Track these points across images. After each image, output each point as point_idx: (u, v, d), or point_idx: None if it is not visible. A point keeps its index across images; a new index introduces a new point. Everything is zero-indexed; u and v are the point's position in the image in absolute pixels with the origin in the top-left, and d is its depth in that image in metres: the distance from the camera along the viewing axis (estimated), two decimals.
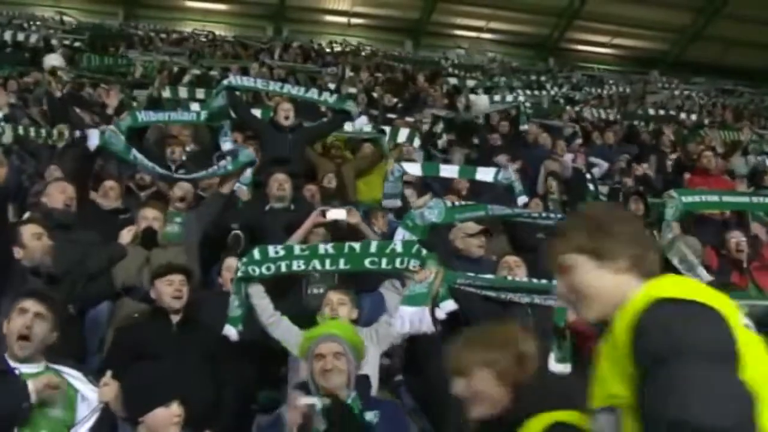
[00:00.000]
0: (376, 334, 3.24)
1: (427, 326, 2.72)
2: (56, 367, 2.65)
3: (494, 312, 3.53)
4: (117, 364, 3.03)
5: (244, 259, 3.32)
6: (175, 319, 3.44)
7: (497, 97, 10.67)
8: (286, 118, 5.67)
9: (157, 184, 5.69)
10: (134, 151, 5.17)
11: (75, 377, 2.66)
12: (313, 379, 2.85)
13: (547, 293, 2.90)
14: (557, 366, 3.12)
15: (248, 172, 5.48)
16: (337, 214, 4.08)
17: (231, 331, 3.23)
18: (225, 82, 5.91)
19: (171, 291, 3.44)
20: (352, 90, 11.48)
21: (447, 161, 7.05)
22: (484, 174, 5.66)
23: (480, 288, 2.91)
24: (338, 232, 4.08)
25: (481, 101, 8.45)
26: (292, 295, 3.80)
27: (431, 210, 4.04)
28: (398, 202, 5.50)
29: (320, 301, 3.52)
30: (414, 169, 5.86)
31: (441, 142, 7.94)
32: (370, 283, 4.20)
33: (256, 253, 3.29)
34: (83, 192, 4.77)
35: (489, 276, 3.14)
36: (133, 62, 11.44)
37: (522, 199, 5.49)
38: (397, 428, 2.65)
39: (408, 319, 2.72)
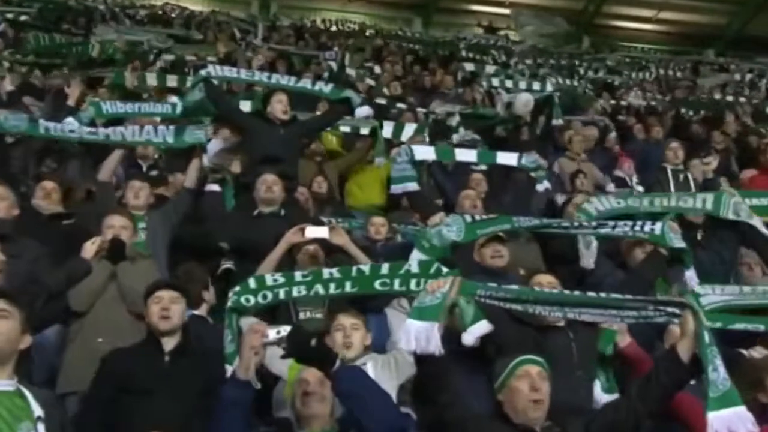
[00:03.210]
0: (395, 363, 3.30)
1: (434, 346, 2.69)
2: (24, 389, 2.60)
3: (529, 337, 3.59)
4: (100, 399, 3.13)
5: (237, 288, 3.39)
6: (168, 346, 3.41)
7: (522, 85, 10.74)
8: (284, 112, 5.76)
9: (123, 188, 5.76)
10: (42, 122, 5.34)
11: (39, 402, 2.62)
12: (294, 407, 2.96)
13: (582, 306, 2.92)
14: (604, 396, 3.15)
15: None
16: (317, 232, 4.13)
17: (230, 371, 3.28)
18: (203, 72, 5.96)
19: (158, 310, 3.44)
20: (351, 72, 11.61)
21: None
22: (506, 158, 5.72)
23: (503, 300, 2.93)
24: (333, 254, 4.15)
25: (522, 98, 8.52)
26: (282, 322, 3.86)
27: (449, 227, 4.08)
28: (410, 186, 5.50)
29: (313, 326, 3.58)
30: (426, 152, 5.88)
31: (457, 137, 8.02)
32: (375, 304, 4.29)
33: (252, 282, 3.38)
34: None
35: (514, 287, 3.15)
36: (92, 42, 11.41)
37: (541, 186, 5.55)
38: None
39: (414, 335, 2.71)
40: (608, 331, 3.34)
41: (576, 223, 4.30)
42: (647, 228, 4.01)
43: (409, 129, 7.75)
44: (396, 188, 5.59)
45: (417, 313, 2.78)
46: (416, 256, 4.06)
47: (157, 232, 4.82)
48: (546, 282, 3.86)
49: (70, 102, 7.19)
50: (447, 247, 4.04)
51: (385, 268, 3.36)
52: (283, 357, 2.77)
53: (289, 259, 4.28)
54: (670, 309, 2.86)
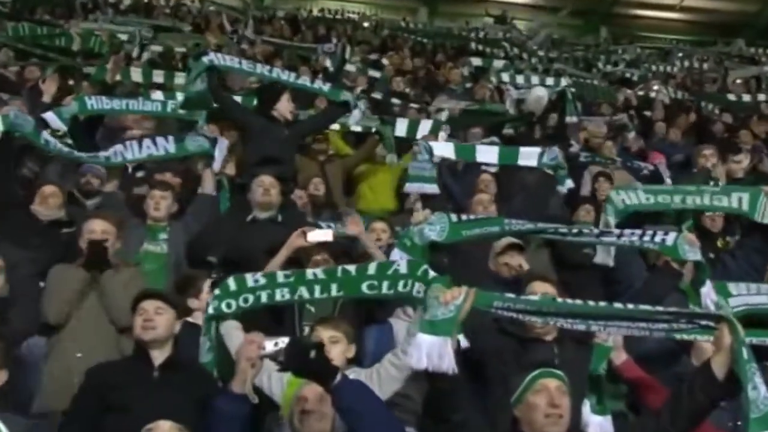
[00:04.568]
0: (378, 377, 3.28)
1: (448, 364, 2.68)
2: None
3: (511, 350, 3.64)
4: (84, 416, 3.15)
5: (217, 292, 3.42)
6: (158, 360, 3.44)
7: (535, 80, 10.79)
8: (292, 112, 5.90)
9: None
10: (45, 134, 5.44)
11: None
12: (292, 425, 3.00)
13: (609, 319, 2.90)
14: (595, 417, 3.15)
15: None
16: (321, 235, 4.18)
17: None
18: (205, 60, 5.91)
19: (141, 322, 3.48)
20: (351, 68, 11.66)
21: None
22: (528, 157, 5.77)
23: (522, 313, 2.93)
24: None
25: (535, 93, 8.51)
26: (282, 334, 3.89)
27: (432, 226, 4.13)
28: (427, 188, 5.54)
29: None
30: (445, 150, 5.92)
31: (442, 135, 8.05)
32: (379, 314, 4.33)
33: (232, 284, 3.41)
34: (7, 198, 4.89)
35: (534, 298, 3.15)
36: (71, 33, 11.39)
37: (563, 187, 5.62)
38: None
39: (426, 351, 2.69)
40: (601, 348, 3.32)
41: (575, 230, 4.30)
42: (658, 238, 3.97)
43: (425, 126, 7.79)
44: (411, 186, 5.64)
45: (429, 327, 2.76)
46: (396, 254, 4.11)
47: (179, 244, 4.91)
48: (540, 290, 3.87)
49: (45, 98, 7.22)
50: (426, 247, 4.08)
51: (372, 268, 3.37)
52: (281, 370, 2.79)
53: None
54: (704, 322, 2.82)
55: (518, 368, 3.02)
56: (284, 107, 5.91)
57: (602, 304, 2.96)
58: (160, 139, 5.58)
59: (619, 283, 4.85)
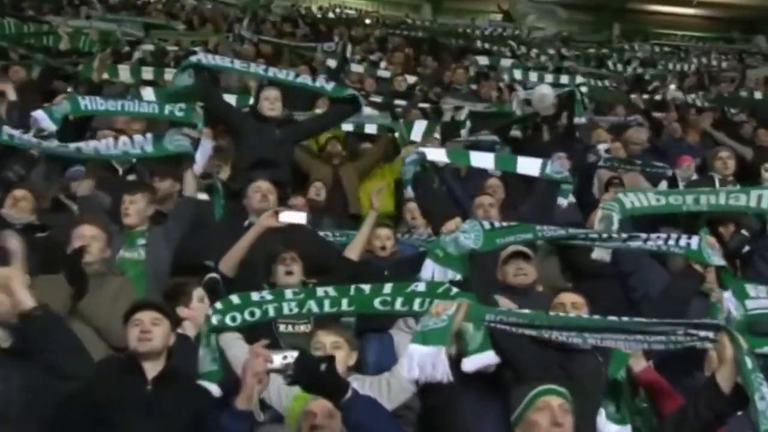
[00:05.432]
0: (388, 387, 3.31)
1: (442, 372, 2.73)
2: None
3: (552, 361, 3.61)
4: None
5: (219, 306, 3.43)
6: (152, 372, 3.40)
7: (548, 78, 10.78)
8: (271, 109, 5.79)
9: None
10: (6, 129, 5.40)
11: None
12: None
13: (604, 332, 2.90)
14: (612, 427, 3.13)
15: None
16: (293, 217, 4.19)
17: (213, 388, 3.34)
18: (192, 58, 5.95)
19: (137, 333, 3.46)
20: (359, 69, 11.69)
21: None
22: (528, 166, 5.75)
23: (516, 326, 2.95)
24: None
25: (538, 91, 8.51)
26: (262, 336, 3.89)
27: (467, 234, 4.06)
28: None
29: (296, 342, 3.64)
30: (437, 154, 5.95)
31: (464, 132, 8.06)
32: (378, 322, 4.31)
33: (236, 299, 3.42)
34: None
35: (526, 311, 3.15)
36: (59, 32, 11.40)
37: (564, 201, 5.62)
38: None
39: (418, 361, 2.75)
40: (619, 354, 3.32)
41: (605, 235, 4.31)
42: (683, 242, 3.96)
43: (419, 127, 7.81)
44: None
45: (421, 337, 2.81)
46: (429, 267, 4.04)
47: (159, 249, 4.89)
48: (570, 301, 3.93)
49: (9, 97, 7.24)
50: (465, 256, 4.03)
51: (387, 287, 3.40)
52: (289, 384, 2.76)
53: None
54: (702, 333, 2.80)
55: (567, 379, 3.02)
56: (262, 106, 5.88)
57: (596, 317, 2.99)
58: (138, 138, 5.47)
59: (634, 291, 4.85)
